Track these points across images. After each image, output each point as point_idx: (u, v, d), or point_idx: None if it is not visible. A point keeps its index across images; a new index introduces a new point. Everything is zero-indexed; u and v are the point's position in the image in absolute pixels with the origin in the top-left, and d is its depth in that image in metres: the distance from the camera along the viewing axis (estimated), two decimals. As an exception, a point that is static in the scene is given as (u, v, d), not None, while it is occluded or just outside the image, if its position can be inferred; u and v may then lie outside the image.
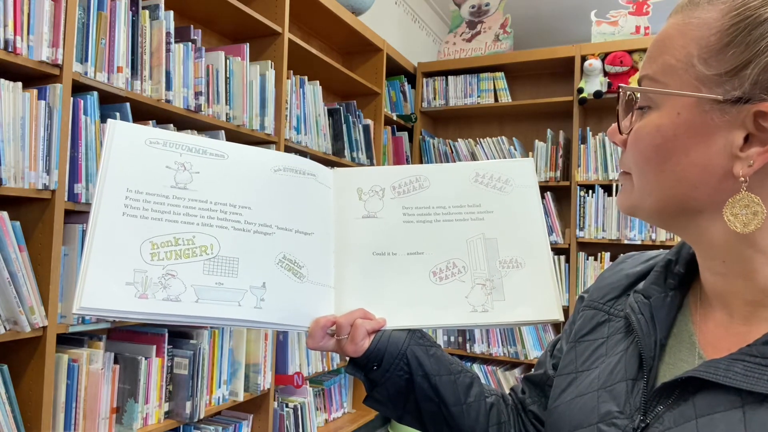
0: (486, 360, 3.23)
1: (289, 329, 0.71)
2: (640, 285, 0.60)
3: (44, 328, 1.36)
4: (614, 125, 0.55)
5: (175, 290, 0.64)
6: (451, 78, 3.41)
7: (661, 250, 0.65)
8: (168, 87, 1.68)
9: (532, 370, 0.76)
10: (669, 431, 0.48)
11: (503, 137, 3.29)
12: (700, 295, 0.56)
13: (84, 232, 1.43)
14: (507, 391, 0.79)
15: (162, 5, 1.68)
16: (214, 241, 0.68)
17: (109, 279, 0.62)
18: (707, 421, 0.46)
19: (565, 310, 2.98)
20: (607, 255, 3.01)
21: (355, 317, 0.69)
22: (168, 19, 1.69)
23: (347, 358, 0.72)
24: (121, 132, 0.69)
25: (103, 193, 0.65)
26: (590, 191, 3.03)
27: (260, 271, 0.68)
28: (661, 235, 2.84)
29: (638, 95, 0.52)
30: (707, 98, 0.46)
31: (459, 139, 3.39)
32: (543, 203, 0.84)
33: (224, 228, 0.69)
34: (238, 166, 0.72)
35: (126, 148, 0.68)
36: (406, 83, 3.41)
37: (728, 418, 0.45)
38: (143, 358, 1.61)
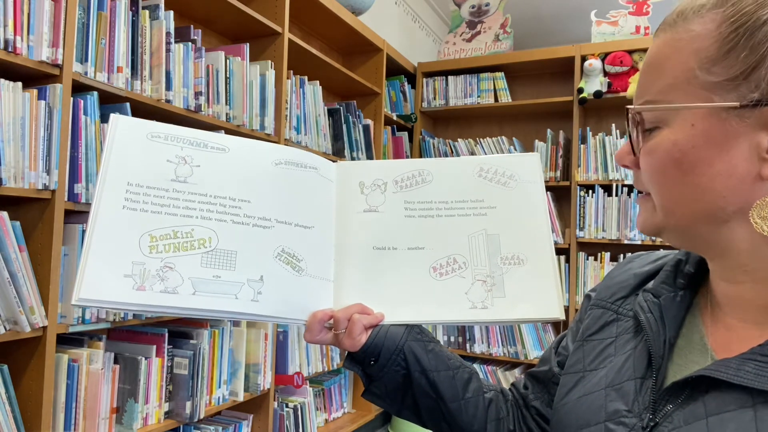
0: (486, 360, 3.23)
1: (286, 322, 0.71)
2: (650, 284, 0.60)
3: (44, 328, 1.36)
4: (622, 148, 0.55)
5: (172, 282, 0.65)
6: (451, 78, 3.41)
7: (668, 250, 0.64)
8: (168, 87, 1.68)
9: (536, 366, 0.76)
10: (678, 430, 0.48)
11: (503, 137, 3.30)
12: (710, 298, 0.55)
13: (84, 232, 1.43)
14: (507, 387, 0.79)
15: (162, 5, 1.68)
16: (212, 234, 0.68)
17: (107, 271, 0.63)
18: (717, 420, 0.46)
19: (565, 310, 2.99)
20: (607, 255, 3.01)
21: (352, 312, 0.69)
22: (168, 19, 1.69)
23: (346, 353, 0.72)
24: (123, 126, 0.70)
25: (105, 187, 0.66)
26: (590, 191, 3.03)
27: (258, 264, 0.69)
28: (661, 235, 2.84)
29: (643, 116, 0.51)
30: (723, 106, 0.45)
31: (459, 139, 3.39)
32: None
33: (223, 221, 0.69)
34: (238, 160, 0.73)
35: (128, 142, 0.69)
36: (406, 83, 3.41)
37: (739, 417, 0.45)
38: (143, 358, 1.61)
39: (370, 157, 2.86)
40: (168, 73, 1.68)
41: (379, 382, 0.71)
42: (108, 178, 0.66)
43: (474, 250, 0.74)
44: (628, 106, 0.52)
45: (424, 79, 3.49)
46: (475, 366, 3.17)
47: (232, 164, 0.72)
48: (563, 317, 0.70)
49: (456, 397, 0.70)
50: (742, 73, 0.45)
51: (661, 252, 0.65)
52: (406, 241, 0.75)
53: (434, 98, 3.46)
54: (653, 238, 2.85)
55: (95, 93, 1.49)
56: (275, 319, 0.69)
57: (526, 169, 0.77)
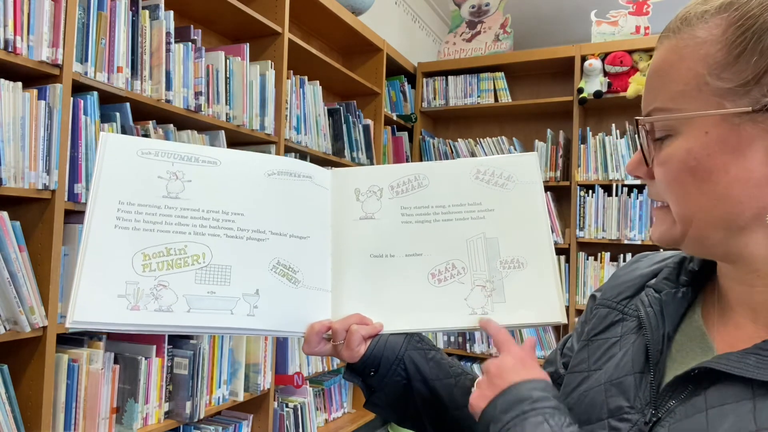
0: (486, 360, 3.22)
1: (284, 335, 0.70)
2: (653, 280, 0.60)
3: (44, 328, 1.36)
4: (633, 158, 0.54)
5: (166, 301, 0.64)
6: (451, 78, 3.41)
7: (673, 251, 0.64)
8: (168, 87, 1.68)
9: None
10: (679, 423, 0.48)
11: (503, 137, 3.30)
12: (718, 298, 0.55)
13: (84, 232, 1.43)
14: None
15: (162, 5, 1.68)
16: (206, 249, 0.68)
17: (101, 292, 0.62)
18: (717, 412, 0.46)
19: (565, 310, 2.98)
20: (607, 255, 3.01)
21: (350, 322, 0.69)
22: (168, 19, 1.69)
23: (346, 364, 0.72)
24: (113, 144, 0.69)
25: (95, 207, 0.66)
26: (590, 191, 3.03)
27: (253, 278, 0.68)
28: (661, 235, 2.84)
29: (654, 125, 0.50)
30: (735, 112, 0.45)
31: (459, 139, 3.39)
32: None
33: (216, 236, 0.68)
34: (230, 173, 0.72)
35: (118, 160, 0.69)
36: (406, 83, 3.41)
37: (738, 408, 0.45)
38: (143, 358, 1.61)
39: (370, 157, 2.86)
40: (168, 73, 1.68)
41: (380, 393, 0.70)
42: (99, 197, 0.66)
43: (473, 254, 0.72)
44: (638, 118, 0.51)
45: (424, 79, 3.49)
46: (475, 366, 3.18)
47: (224, 177, 0.71)
48: (565, 321, 0.69)
49: (458, 405, 0.69)
50: (754, 78, 0.44)
51: (667, 253, 0.65)
52: (403, 247, 0.74)
53: (434, 98, 3.46)
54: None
55: (95, 93, 1.49)
56: (272, 332, 0.69)
57: (524, 170, 0.75)
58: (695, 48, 0.47)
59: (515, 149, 3.28)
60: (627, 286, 0.64)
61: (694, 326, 0.55)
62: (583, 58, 3.05)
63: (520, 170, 0.75)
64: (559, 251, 3.09)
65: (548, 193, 3.15)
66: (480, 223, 0.74)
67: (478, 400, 0.59)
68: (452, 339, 3.30)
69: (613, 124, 3.05)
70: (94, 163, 0.69)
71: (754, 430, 0.43)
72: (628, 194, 2.94)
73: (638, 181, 2.87)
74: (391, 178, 0.77)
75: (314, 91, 2.46)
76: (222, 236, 0.69)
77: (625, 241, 2.91)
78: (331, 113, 2.62)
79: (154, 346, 1.65)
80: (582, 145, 3.05)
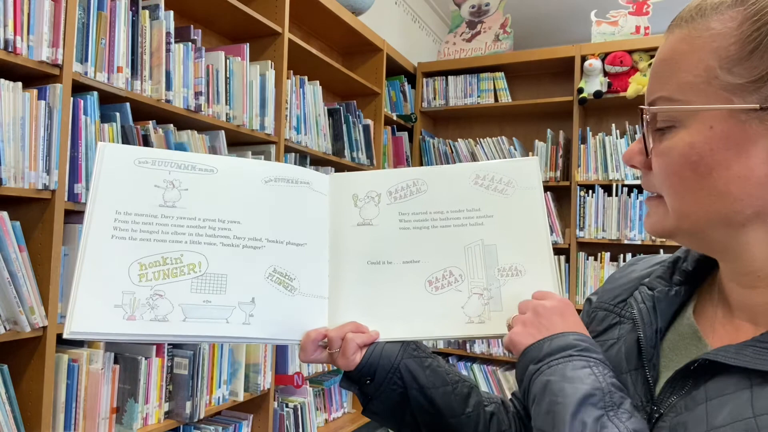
0: (486, 360, 3.23)
1: (280, 343, 0.70)
2: (647, 279, 0.60)
3: (44, 328, 1.36)
4: (632, 147, 0.53)
5: (162, 310, 0.65)
6: (451, 78, 3.41)
7: (670, 254, 0.64)
8: (168, 87, 1.68)
9: None
10: (680, 416, 0.48)
11: (503, 137, 3.30)
12: (717, 298, 0.55)
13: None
14: (508, 396, 0.78)
15: (162, 5, 1.68)
16: (202, 258, 0.68)
17: (97, 303, 0.63)
18: (717, 403, 0.46)
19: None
20: (607, 255, 3.01)
21: (346, 330, 0.68)
22: (168, 19, 1.69)
23: (343, 372, 0.71)
24: (110, 154, 0.69)
25: (93, 218, 0.66)
26: (590, 191, 3.03)
27: (249, 286, 0.68)
28: (661, 235, 2.84)
29: (656, 116, 0.50)
30: (743, 108, 0.45)
31: (459, 139, 3.39)
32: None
33: (212, 244, 0.68)
34: (227, 180, 0.72)
35: (115, 170, 0.69)
36: (406, 83, 3.41)
37: (736, 398, 0.45)
38: (143, 358, 1.61)
39: (370, 157, 2.86)
40: (168, 73, 1.68)
41: (376, 401, 0.70)
42: (96, 208, 0.66)
43: (470, 261, 0.71)
44: (642, 106, 0.51)
45: (424, 79, 3.49)
46: (475, 366, 3.18)
47: (220, 185, 0.71)
48: None
49: (456, 413, 0.69)
50: (766, 75, 0.44)
51: (665, 255, 0.65)
52: (401, 254, 0.73)
53: (434, 98, 3.46)
54: (653, 237, 2.86)
55: (95, 93, 1.49)
56: (268, 341, 0.68)
57: (524, 175, 0.74)
58: (708, 40, 0.46)
59: (515, 149, 3.28)
60: (623, 288, 0.64)
61: (686, 324, 0.55)
62: (583, 58, 3.05)
63: (520, 175, 0.74)
64: (559, 251, 3.09)
65: (548, 193, 3.15)
66: (478, 229, 0.72)
67: (522, 337, 0.58)
68: (452, 339, 3.30)
69: (613, 124, 3.05)
70: (94, 163, 0.69)
71: (752, 417, 0.43)
72: (628, 194, 2.94)
73: (639, 181, 2.87)
74: (390, 183, 0.76)
75: (314, 91, 2.46)
76: (218, 245, 0.69)
77: (625, 241, 2.91)
78: (331, 113, 2.62)
79: (154, 346, 1.65)
80: (582, 145, 3.05)
